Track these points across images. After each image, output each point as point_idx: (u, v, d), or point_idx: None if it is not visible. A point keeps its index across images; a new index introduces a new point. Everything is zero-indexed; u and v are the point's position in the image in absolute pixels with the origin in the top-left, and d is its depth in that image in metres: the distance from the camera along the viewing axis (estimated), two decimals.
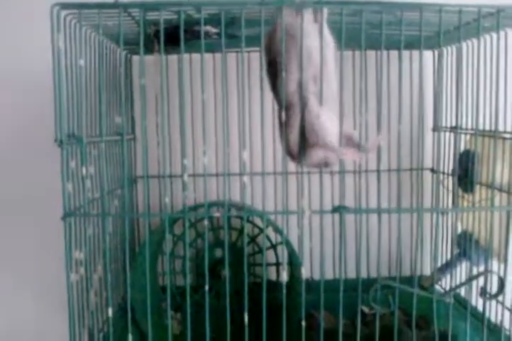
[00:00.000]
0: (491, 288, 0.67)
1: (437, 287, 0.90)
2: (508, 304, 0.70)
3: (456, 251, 0.84)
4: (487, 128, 0.75)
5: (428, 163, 0.95)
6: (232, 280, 0.86)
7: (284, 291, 0.64)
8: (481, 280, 0.70)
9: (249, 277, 0.94)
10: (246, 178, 0.60)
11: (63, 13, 0.61)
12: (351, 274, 0.90)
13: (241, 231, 0.93)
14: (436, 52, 0.92)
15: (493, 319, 0.74)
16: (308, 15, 0.61)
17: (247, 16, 0.62)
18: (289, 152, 0.63)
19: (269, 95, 0.65)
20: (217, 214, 0.58)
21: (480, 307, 0.74)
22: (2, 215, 0.97)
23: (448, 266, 0.85)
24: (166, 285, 0.92)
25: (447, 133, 0.88)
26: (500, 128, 0.69)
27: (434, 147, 0.93)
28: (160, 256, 0.92)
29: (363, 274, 0.94)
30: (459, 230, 0.85)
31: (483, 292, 0.66)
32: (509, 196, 0.71)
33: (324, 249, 0.75)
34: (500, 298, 0.68)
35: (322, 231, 0.64)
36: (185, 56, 0.89)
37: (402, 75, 0.64)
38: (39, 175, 0.95)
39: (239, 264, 0.89)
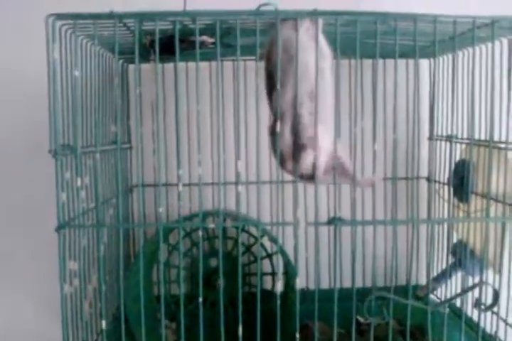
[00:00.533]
0: (485, 300, 0.67)
1: (432, 296, 0.90)
2: (502, 314, 0.70)
3: (451, 260, 0.84)
4: (482, 137, 0.75)
5: (423, 171, 0.95)
6: (227, 290, 0.85)
7: (278, 302, 0.64)
8: (476, 290, 0.70)
9: (245, 287, 0.94)
10: (241, 188, 0.60)
11: (58, 23, 0.61)
12: (347, 283, 0.89)
13: (236, 240, 0.93)
14: (431, 61, 0.92)
15: (488, 329, 0.74)
16: (304, 27, 0.61)
17: (242, 26, 0.62)
18: (280, 162, 0.64)
19: (264, 104, 0.65)
20: (212, 226, 0.58)
21: (475, 318, 0.74)
22: None
23: (443, 276, 0.85)
24: (160, 294, 0.93)
25: (443, 142, 0.88)
26: (496, 137, 0.69)
27: (431, 156, 0.93)
28: (155, 266, 0.92)
29: (359, 283, 0.94)
30: (455, 239, 0.85)
31: (477, 303, 0.66)
32: (504, 206, 0.71)
33: (320, 258, 0.75)
34: (494, 309, 0.68)
35: (317, 242, 0.64)
36: (181, 64, 0.89)
37: (398, 84, 0.64)
38: (34, 185, 0.95)
39: (234, 274, 0.88)
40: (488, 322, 0.73)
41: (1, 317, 0.99)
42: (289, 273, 0.82)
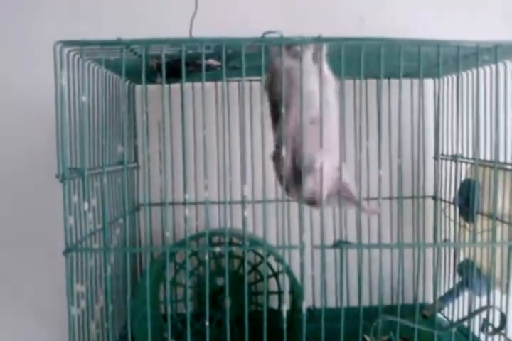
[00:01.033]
0: (493, 322, 0.67)
1: (439, 315, 0.90)
2: (510, 336, 0.70)
3: (458, 279, 0.84)
4: (487, 157, 0.75)
5: (429, 190, 0.95)
6: (233, 309, 0.85)
7: (285, 325, 0.64)
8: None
9: (251, 305, 0.94)
10: (247, 213, 0.60)
11: (66, 49, 0.62)
12: (353, 302, 0.89)
13: (243, 259, 0.93)
14: (436, 81, 0.93)
15: None
16: (307, 55, 0.62)
17: (248, 50, 0.63)
18: (284, 188, 0.65)
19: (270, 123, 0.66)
20: (218, 249, 0.58)
21: (482, 338, 0.73)
22: (4, 249, 0.98)
23: (450, 295, 0.85)
24: (167, 313, 0.93)
25: (448, 162, 0.88)
26: (501, 158, 0.70)
27: (436, 175, 0.93)
28: (162, 284, 0.92)
29: (365, 302, 0.94)
30: (461, 258, 0.85)
31: (484, 326, 0.66)
32: (510, 228, 0.71)
33: (326, 277, 0.75)
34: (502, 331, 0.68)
35: (323, 265, 0.64)
36: (188, 85, 0.90)
37: (402, 103, 0.64)
38: (42, 207, 0.96)
39: (240, 292, 0.88)
40: None
41: (10, 339, 0.99)
42: (296, 293, 0.82)
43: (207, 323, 0.61)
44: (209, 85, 0.91)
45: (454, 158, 0.87)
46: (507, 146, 0.77)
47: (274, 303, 0.96)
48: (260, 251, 0.92)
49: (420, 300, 0.94)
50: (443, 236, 0.89)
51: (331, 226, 0.84)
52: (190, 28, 0.72)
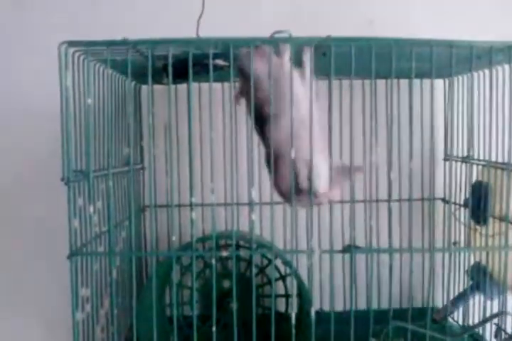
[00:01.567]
0: (505, 327, 0.65)
1: (450, 319, 0.89)
2: None
3: (468, 282, 0.83)
4: (499, 159, 0.73)
5: (439, 192, 0.93)
6: (239, 312, 0.84)
7: (294, 331, 0.63)
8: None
9: (258, 309, 0.93)
10: (254, 216, 0.59)
11: (71, 50, 0.61)
12: (361, 305, 0.88)
13: (249, 262, 0.92)
14: (447, 81, 0.91)
15: None
16: (285, 56, 0.61)
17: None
18: (281, 195, 0.64)
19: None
20: (225, 254, 0.57)
21: None
22: (10, 251, 0.98)
23: (460, 299, 0.83)
24: (173, 315, 0.92)
25: (458, 163, 0.87)
26: None
27: (446, 177, 0.92)
28: (167, 287, 0.91)
29: (374, 305, 0.92)
30: (472, 261, 0.83)
31: (498, 333, 0.65)
32: None
33: (334, 281, 0.74)
34: None
35: (332, 269, 0.63)
36: (194, 85, 0.89)
37: (413, 104, 0.63)
38: (45, 210, 0.95)
39: (247, 295, 0.87)
40: None
41: None
42: (303, 296, 0.81)
43: (214, 328, 0.60)
44: (215, 86, 0.89)
45: (465, 159, 0.85)
46: None
47: (280, 307, 0.95)
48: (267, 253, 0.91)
49: (430, 304, 0.93)
50: (452, 239, 0.88)
51: (338, 229, 0.82)
52: (197, 28, 0.71)
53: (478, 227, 0.82)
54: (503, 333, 0.64)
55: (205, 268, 0.93)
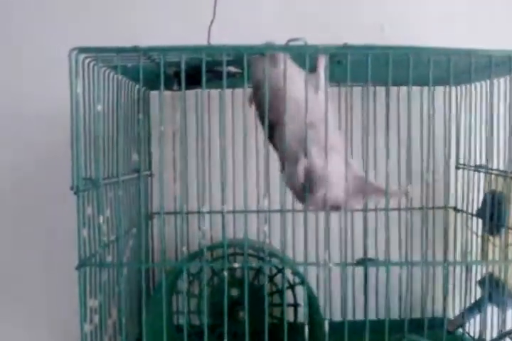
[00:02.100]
0: None
1: (461, 331, 0.87)
2: None
3: (480, 293, 0.82)
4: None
5: (450, 202, 0.92)
6: (248, 321, 0.83)
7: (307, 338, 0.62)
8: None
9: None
10: (266, 228, 0.58)
11: (82, 56, 0.60)
12: (371, 315, 0.87)
13: (258, 270, 0.91)
14: (463, 88, 0.90)
15: None
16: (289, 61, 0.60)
17: None
18: (296, 196, 0.63)
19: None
20: (236, 266, 0.56)
21: None
22: (17, 260, 0.97)
23: (472, 310, 0.82)
24: (181, 324, 0.91)
25: (471, 172, 0.86)
26: None
27: (460, 186, 0.90)
28: (174, 296, 0.90)
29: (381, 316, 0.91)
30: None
31: None
32: None
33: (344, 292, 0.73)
34: None
35: (345, 282, 0.62)
36: (204, 91, 0.87)
37: (425, 112, 0.62)
38: (53, 219, 0.94)
39: (255, 304, 0.86)
40: None
41: None
42: (312, 305, 0.79)
43: (225, 340, 0.59)
44: (226, 92, 0.88)
45: (478, 168, 0.84)
46: None
47: (289, 316, 0.93)
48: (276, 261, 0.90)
49: (440, 314, 0.92)
50: (464, 249, 0.87)
51: (348, 239, 0.81)
52: (208, 35, 0.70)
53: (491, 238, 0.81)
54: None
55: (212, 276, 0.92)
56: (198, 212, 0.59)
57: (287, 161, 0.62)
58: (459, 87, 0.92)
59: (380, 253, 0.67)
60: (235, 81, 0.73)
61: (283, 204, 0.62)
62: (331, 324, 0.90)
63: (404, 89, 0.87)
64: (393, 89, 0.86)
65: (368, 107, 0.61)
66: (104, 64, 0.65)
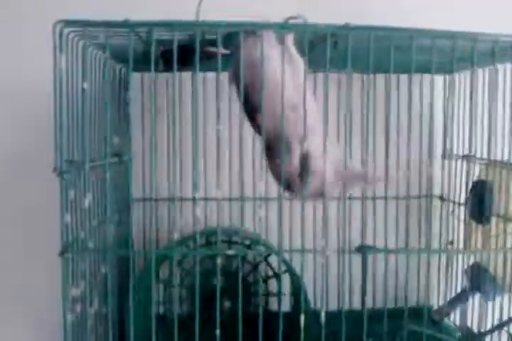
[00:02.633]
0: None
1: (447, 320, 0.87)
2: None
3: (465, 282, 0.81)
4: (498, 157, 0.71)
5: (436, 190, 0.92)
6: (232, 310, 0.82)
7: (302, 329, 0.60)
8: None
9: (250, 307, 0.90)
10: (263, 213, 0.56)
11: (66, 30, 0.56)
12: (356, 304, 0.86)
13: (243, 257, 0.89)
14: (447, 77, 0.89)
15: None
16: (270, 40, 0.58)
17: None
18: (286, 185, 0.60)
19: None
20: (231, 252, 0.54)
21: None
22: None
23: (458, 299, 0.82)
24: (161, 314, 0.88)
25: (458, 161, 0.85)
26: None
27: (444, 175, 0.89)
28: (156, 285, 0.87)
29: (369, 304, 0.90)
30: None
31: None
32: None
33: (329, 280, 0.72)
34: None
35: (344, 269, 0.60)
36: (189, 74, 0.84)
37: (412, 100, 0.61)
38: (34, 203, 0.90)
39: (238, 293, 0.84)
40: None
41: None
42: (299, 295, 0.78)
43: (218, 332, 0.57)
44: (210, 76, 0.84)
45: (466, 157, 0.83)
46: None
47: (274, 306, 0.92)
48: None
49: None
50: (450, 238, 0.87)
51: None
52: (196, 12, 0.67)
53: (478, 226, 0.80)
54: None
55: (194, 265, 0.89)
56: (181, 199, 0.56)
57: (274, 149, 0.59)
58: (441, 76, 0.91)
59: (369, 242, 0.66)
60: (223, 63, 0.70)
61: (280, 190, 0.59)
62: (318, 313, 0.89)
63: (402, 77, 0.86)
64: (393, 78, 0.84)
65: (369, 96, 0.59)
66: (88, 40, 0.62)
